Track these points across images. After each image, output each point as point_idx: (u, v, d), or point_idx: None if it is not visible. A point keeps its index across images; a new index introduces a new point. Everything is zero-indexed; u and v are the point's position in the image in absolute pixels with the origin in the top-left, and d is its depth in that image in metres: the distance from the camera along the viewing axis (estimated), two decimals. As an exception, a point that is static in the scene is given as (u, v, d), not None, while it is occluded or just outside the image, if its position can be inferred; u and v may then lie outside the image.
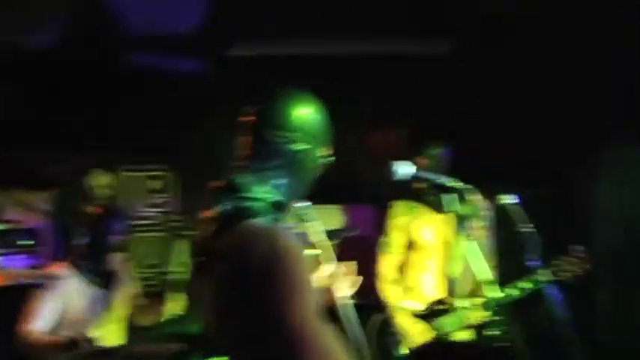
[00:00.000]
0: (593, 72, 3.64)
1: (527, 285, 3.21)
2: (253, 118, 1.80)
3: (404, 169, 2.02)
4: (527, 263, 2.66)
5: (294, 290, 1.48)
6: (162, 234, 4.68)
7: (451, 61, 4.13)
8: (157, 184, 4.74)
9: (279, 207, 1.72)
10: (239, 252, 1.55)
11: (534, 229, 2.63)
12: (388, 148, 4.67)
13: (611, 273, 3.79)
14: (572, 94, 3.76)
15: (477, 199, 3.60)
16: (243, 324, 1.56)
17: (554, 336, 2.59)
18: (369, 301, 4.15)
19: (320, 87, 4.25)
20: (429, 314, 3.55)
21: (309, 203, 2.29)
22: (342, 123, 4.30)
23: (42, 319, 3.27)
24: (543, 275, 3.12)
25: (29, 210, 4.04)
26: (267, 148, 1.76)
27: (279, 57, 4.12)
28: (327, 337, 1.52)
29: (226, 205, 1.67)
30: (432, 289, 3.63)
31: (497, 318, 3.08)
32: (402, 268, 3.74)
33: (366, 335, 3.53)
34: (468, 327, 3.41)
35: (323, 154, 1.84)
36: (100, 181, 4.62)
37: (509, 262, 3.41)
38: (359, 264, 3.72)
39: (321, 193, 4.03)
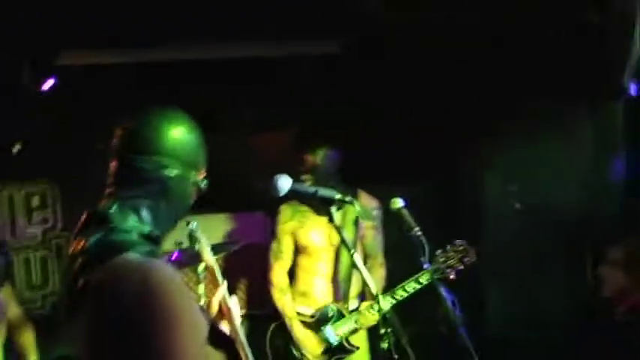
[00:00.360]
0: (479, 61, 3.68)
1: (411, 286, 3.26)
2: (118, 141, 1.64)
3: (284, 183, 1.95)
4: (424, 266, 2.67)
5: (172, 327, 1.36)
6: (45, 252, 4.42)
7: (337, 61, 4.10)
8: (37, 200, 4.46)
9: (151, 239, 1.58)
10: (109, 290, 1.40)
11: (420, 233, 2.64)
12: (275, 151, 4.60)
13: (503, 267, 3.88)
14: (456, 86, 3.81)
15: (366, 200, 3.67)
16: None
17: (451, 337, 2.62)
18: (265, 311, 4.14)
19: (204, 92, 4.19)
20: (321, 320, 3.55)
21: (195, 223, 2.25)
22: (226, 128, 4.33)
23: None
24: (425, 274, 3.17)
25: None
26: (135, 175, 1.60)
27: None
28: None
29: (94, 238, 1.51)
30: (325, 294, 3.63)
31: (387, 330, 3.10)
32: (293, 274, 3.72)
33: (267, 345, 3.55)
34: (358, 330, 3.45)
35: (197, 178, 1.70)
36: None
37: (401, 262, 3.45)
38: (254, 274, 3.72)
39: (210, 201, 3.97)
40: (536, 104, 3.70)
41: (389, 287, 3.42)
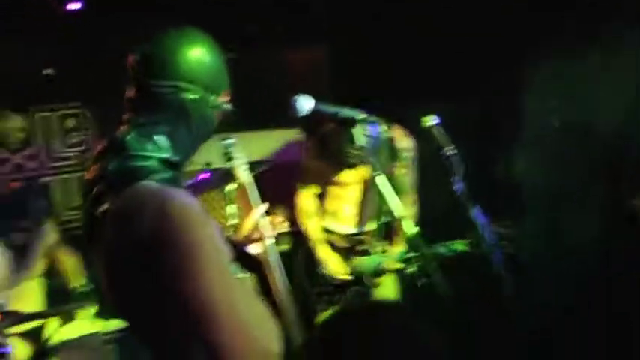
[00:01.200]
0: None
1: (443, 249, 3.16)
2: (134, 66, 1.56)
3: (305, 103, 1.86)
4: (455, 188, 2.58)
5: (193, 258, 1.33)
6: (82, 174, 4.47)
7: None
8: (73, 123, 4.48)
9: (172, 165, 1.53)
10: (126, 220, 1.37)
11: (453, 153, 2.55)
12: (311, 68, 4.50)
13: (538, 189, 3.75)
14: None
15: (400, 138, 3.55)
16: (139, 300, 1.41)
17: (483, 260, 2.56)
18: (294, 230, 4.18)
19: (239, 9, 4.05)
20: (350, 249, 3.56)
21: (233, 140, 2.18)
22: (263, 43, 4.24)
23: None
24: (459, 244, 3.02)
25: None
26: (153, 101, 1.53)
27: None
28: (243, 298, 1.39)
29: (112, 165, 1.47)
30: (353, 216, 3.61)
31: (415, 254, 3.06)
32: (323, 196, 3.68)
33: (295, 268, 3.58)
34: (384, 272, 3.44)
35: (219, 101, 1.62)
36: (13, 124, 4.33)
37: (433, 188, 3.36)
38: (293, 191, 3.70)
39: (247, 117, 3.90)
40: (581, 21, 3.49)
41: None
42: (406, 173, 3.51)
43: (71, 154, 4.46)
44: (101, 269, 1.47)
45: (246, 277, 1.70)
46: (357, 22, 4.14)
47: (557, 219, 3.61)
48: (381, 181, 1.92)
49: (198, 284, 1.32)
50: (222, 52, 1.63)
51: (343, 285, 3.53)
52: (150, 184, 1.42)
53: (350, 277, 3.48)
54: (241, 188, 2.09)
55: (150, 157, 1.50)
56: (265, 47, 4.45)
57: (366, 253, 3.52)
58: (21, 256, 3.38)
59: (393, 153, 3.45)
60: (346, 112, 1.89)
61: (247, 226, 1.93)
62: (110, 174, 1.46)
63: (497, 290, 2.46)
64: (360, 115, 1.87)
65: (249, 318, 1.37)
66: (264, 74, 4.46)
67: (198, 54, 1.56)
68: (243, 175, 2.11)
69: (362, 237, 3.58)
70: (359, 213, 3.62)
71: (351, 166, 1.80)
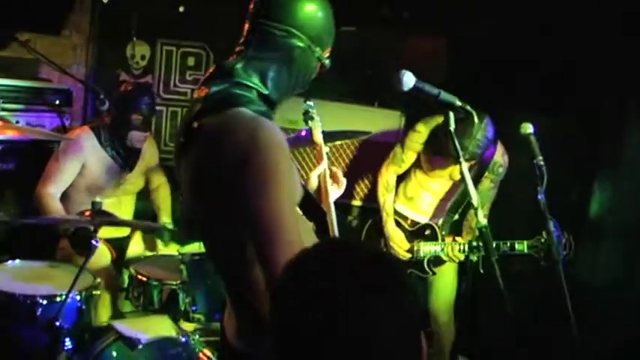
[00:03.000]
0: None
1: (506, 246, 3.22)
2: (255, 6, 1.73)
3: (410, 79, 1.94)
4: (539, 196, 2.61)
5: (271, 181, 1.46)
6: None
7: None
8: (193, 60, 4.70)
9: (268, 101, 1.68)
10: (219, 137, 1.52)
11: (542, 163, 2.59)
12: (425, 56, 4.53)
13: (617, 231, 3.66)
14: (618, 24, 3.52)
15: (499, 153, 3.51)
16: (216, 210, 1.56)
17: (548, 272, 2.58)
18: (366, 204, 4.26)
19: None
20: (415, 232, 3.65)
21: (311, 103, 2.35)
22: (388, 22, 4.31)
23: (58, 182, 3.36)
24: (522, 244, 3.17)
25: (63, 69, 4.06)
26: (264, 39, 1.69)
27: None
28: (300, 232, 1.50)
29: (216, 87, 1.63)
30: (429, 206, 3.69)
31: (479, 243, 3.10)
32: (406, 176, 3.77)
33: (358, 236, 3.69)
34: (444, 261, 3.48)
35: (322, 54, 1.76)
36: (138, 50, 4.60)
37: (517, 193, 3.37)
38: (378, 168, 3.78)
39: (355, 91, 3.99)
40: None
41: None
42: (490, 188, 3.53)
43: (185, 90, 4.69)
44: (186, 182, 1.63)
45: (307, 222, 1.82)
46: (482, 20, 4.13)
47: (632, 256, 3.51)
48: (466, 169, 1.98)
49: (270, 203, 1.44)
50: (332, 14, 1.77)
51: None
52: (247, 110, 1.57)
53: (409, 258, 3.56)
54: (317, 146, 2.27)
55: (252, 88, 1.65)
56: (389, 29, 4.53)
57: (430, 239, 3.58)
58: (125, 168, 3.62)
59: (490, 164, 3.48)
60: (447, 95, 1.95)
61: (313, 178, 2.09)
62: (213, 94, 1.62)
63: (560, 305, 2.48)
64: (458, 102, 1.93)
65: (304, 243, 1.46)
66: (379, 53, 4.53)
67: (312, 8, 1.71)
68: (317, 135, 2.29)
69: (430, 222, 3.66)
70: (437, 206, 3.68)
71: (457, 161, 1.86)
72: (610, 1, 3.51)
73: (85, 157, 3.43)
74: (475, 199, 1.94)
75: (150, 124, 3.76)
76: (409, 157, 3.65)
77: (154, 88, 4.56)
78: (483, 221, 1.96)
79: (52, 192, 3.34)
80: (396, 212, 3.70)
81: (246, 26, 1.74)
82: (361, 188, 4.50)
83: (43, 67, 4.12)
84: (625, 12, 3.41)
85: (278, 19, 1.68)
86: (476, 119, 1.94)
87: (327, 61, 1.79)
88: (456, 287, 3.73)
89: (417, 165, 3.69)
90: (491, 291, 2.02)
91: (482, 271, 3.03)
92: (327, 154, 2.31)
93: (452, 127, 1.93)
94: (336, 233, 2.02)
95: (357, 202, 4.55)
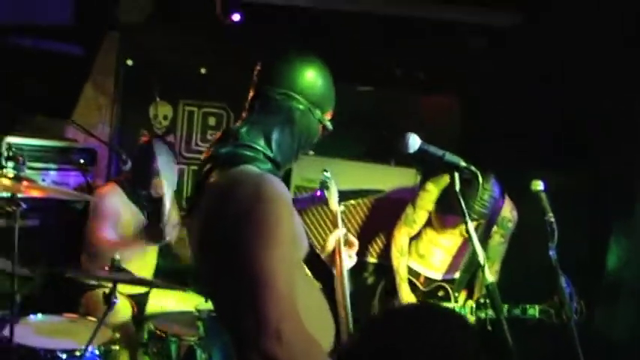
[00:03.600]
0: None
1: (517, 311, 3.17)
2: (259, 73, 1.85)
3: (415, 141, 2.02)
4: (550, 254, 2.66)
5: (269, 233, 1.51)
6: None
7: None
8: (214, 120, 4.84)
9: (273, 161, 1.77)
10: (225, 192, 1.60)
11: (553, 220, 2.64)
12: (435, 114, 4.63)
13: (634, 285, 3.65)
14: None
15: (507, 208, 3.57)
16: (221, 266, 1.60)
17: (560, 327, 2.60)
18: (380, 261, 4.29)
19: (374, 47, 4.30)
20: (429, 294, 3.67)
21: (329, 174, 2.51)
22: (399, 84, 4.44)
23: (109, 229, 3.46)
24: (533, 309, 3.15)
25: (89, 131, 4.21)
26: (266, 103, 1.80)
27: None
28: (299, 291, 1.54)
29: (224, 149, 1.72)
30: (441, 264, 3.72)
31: (486, 300, 3.12)
32: (417, 238, 3.81)
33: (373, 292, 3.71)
34: None
35: (323, 117, 1.86)
36: (161, 110, 4.76)
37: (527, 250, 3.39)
38: (392, 226, 3.83)
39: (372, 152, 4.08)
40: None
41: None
42: (500, 242, 3.58)
43: (206, 149, 4.80)
44: (195, 238, 1.70)
45: (315, 283, 1.88)
46: (495, 77, 4.25)
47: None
48: (472, 229, 2.02)
49: (265, 256, 1.49)
50: (331, 78, 1.89)
51: None
52: (253, 167, 1.67)
53: None
54: (332, 214, 2.35)
55: (258, 150, 1.75)
56: (403, 89, 4.66)
57: (444, 299, 3.60)
58: (149, 224, 3.70)
59: (498, 219, 3.54)
60: (452, 157, 2.02)
61: (330, 243, 2.15)
62: (221, 155, 1.72)
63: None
64: (463, 163, 1.99)
65: (299, 308, 1.51)
66: (395, 113, 4.64)
67: (312, 75, 1.83)
68: (333, 202, 2.37)
69: (443, 284, 3.67)
70: (449, 262, 3.72)
71: (465, 220, 1.92)
72: (621, 56, 3.59)
73: (117, 212, 3.54)
74: (482, 257, 1.98)
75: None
76: (421, 216, 3.72)
77: (175, 148, 4.70)
78: (490, 278, 1.99)
79: (107, 235, 3.46)
80: (409, 270, 3.73)
81: (251, 93, 1.85)
82: (377, 244, 4.54)
83: (69, 126, 4.28)
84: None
85: (279, 84, 1.80)
86: (480, 179, 1.98)
87: (328, 123, 1.89)
88: None
89: (428, 223, 3.74)
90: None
91: (490, 328, 3.05)
92: (342, 214, 2.39)
93: (457, 187, 1.99)
94: (347, 299, 2.06)
95: (372, 259, 4.58)
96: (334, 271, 2.17)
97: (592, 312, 3.31)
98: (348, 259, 2.19)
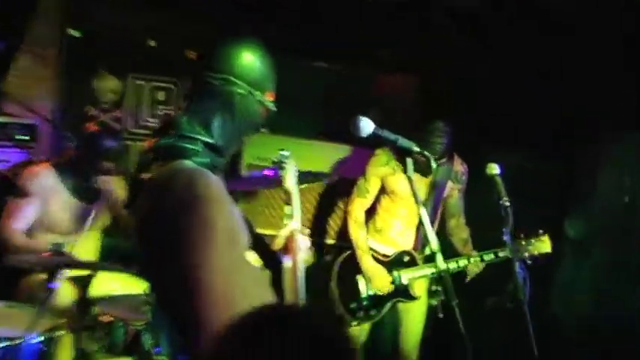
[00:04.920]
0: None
1: (489, 256, 3.47)
2: (197, 60, 1.85)
3: (367, 125, 2.02)
4: (504, 237, 2.74)
5: (204, 238, 1.51)
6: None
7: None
8: (162, 96, 4.76)
9: (214, 149, 1.77)
10: (159, 191, 1.60)
11: (508, 204, 2.69)
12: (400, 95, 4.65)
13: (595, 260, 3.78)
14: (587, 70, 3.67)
15: (458, 163, 3.75)
16: (155, 261, 1.60)
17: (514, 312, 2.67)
18: (339, 242, 4.33)
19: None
20: (394, 262, 3.73)
21: (288, 153, 2.41)
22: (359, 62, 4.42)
23: (22, 219, 3.37)
24: (504, 250, 3.26)
25: (26, 105, 4.09)
26: (205, 90, 1.80)
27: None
28: (247, 285, 1.54)
29: (163, 141, 1.72)
30: (400, 236, 3.80)
31: (438, 288, 3.23)
32: (373, 210, 3.88)
33: (329, 274, 3.73)
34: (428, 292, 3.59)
35: (263, 99, 1.87)
36: (107, 84, 4.65)
37: (485, 231, 3.47)
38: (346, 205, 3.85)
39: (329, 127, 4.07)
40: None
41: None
42: (460, 197, 3.81)
43: (154, 125, 4.73)
44: (134, 229, 1.68)
45: (265, 272, 1.87)
46: (454, 57, 4.27)
47: (605, 294, 3.62)
48: (425, 214, 2.04)
49: (201, 259, 1.49)
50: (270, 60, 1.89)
51: (381, 298, 3.67)
52: (189, 163, 1.66)
53: (390, 290, 3.64)
54: (287, 195, 2.29)
55: (196, 140, 1.74)
56: (363, 67, 4.64)
57: (409, 265, 3.69)
58: (87, 206, 3.64)
59: (452, 175, 3.75)
60: (405, 142, 2.03)
61: (281, 237, 2.10)
62: (160, 148, 1.71)
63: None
64: (415, 147, 2.01)
65: (246, 304, 1.46)
66: (355, 91, 4.64)
67: (248, 55, 1.84)
68: (291, 184, 2.32)
69: (406, 253, 3.73)
70: (411, 235, 3.78)
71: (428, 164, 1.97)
72: (587, 35, 3.65)
73: (46, 196, 3.45)
74: (434, 243, 2.00)
75: (119, 167, 3.79)
76: (373, 184, 3.77)
77: (123, 123, 4.61)
78: (443, 265, 2.03)
79: (18, 228, 3.36)
80: (369, 249, 3.76)
81: (190, 80, 1.85)
82: (335, 225, 4.57)
83: (7, 100, 4.14)
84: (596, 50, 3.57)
85: (217, 69, 1.80)
86: (434, 165, 2.01)
87: (270, 104, 1.90)
88: (422, 327, 3.81)
89: (382, 191, 3.81)
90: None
91: (441, 315, 3.15)
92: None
93: (410, 173, 2.00)
94: (302, 289, 2.04)
95: (330, 241, 4.61)
96: (286, 261, 2.13)
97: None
98: (303, 249, 2.16)
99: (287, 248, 2.11)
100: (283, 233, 2.11)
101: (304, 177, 3.11)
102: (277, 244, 2.10)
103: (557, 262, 3.77)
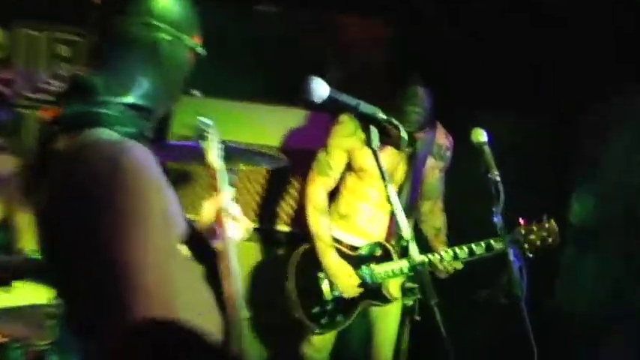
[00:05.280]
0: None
1: (480, 249, 3.48)
2: (102, 6, 1.84)
3: (320, 88, 2.05)
4: (494, 218, 2.79)
5: (134, 219, 1.51)
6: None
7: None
8: (66, 51, 4.71)
9: (140, 111, 1.78)
10: (73, 166, 1.58)
11: (499, 179, 2.73)
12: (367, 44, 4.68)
13: (594, 242, 3.91)
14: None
15: (441, 135, 3.81)
16: (65, 250, 1.60)
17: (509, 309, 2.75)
18: (298, 229, 4.38)
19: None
20: (364, 256, 3.75)
21: (210, 121, 2.47)
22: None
23: None
24: (499, 241, 3.35)
25: None
26: (121, 40, 1.79)
27: None
28: (177, 282, 1.54)
29: (72, 108, 1.70)
30: (371, 225, 3.81)
31: (413, 286, 3.27)
32: (336, 192, 3.89)
33: (284, 272, 3.75)
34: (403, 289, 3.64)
35: (191, 42, 1.89)
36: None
37: (468, 209, 3.56)
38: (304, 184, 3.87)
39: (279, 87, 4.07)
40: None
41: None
42: (440, 178, 3.83)
43: (56, 88, 4.68)
44: (37, 214, 1.69)
45: (196, 266, 1.90)
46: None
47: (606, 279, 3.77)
48: (394, 194, 2.10)
49: (128, 247, 1.49)
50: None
51: (349, 301, 3.69)
52: (109, 133, 1.65)
53: (360, 292, 3.66)
54: (212, 172, 2.34)
55: (115, 103, 1.74)
56: (318, 9, 4.68)
57: (383, 259, 3.70)
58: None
59: (434, 149, 3.78)
60: (367, 107, 2.07)
61: (207, 215, 2.15)
62: (68, 117, 1.69)
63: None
64: (381, 114, 2.05)
65: (176, 302, 1.51)
66: (307, 40, 4.64)
67: None
68: (214, 158, 2.36)
69: (380, 241, 3.77)
70: (383, 222, 3.81)
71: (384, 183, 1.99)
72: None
73: None
74: (407, 231, 2.05)
75: (14, 143, 3.77)
76: (337, 159, 3.76)
77: (14, 86, 4.56)
78: (418, 257, 2.07)
79: None
80: (334, 239, 3.76)
81: (96, 31, 1.84)
82: (289, 208, 4.61)
83: None
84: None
85: (133, 12, 1.80)
86: (403, 133, 2.05)
87: (199, 48, 1.93)
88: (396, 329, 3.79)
89: (348, 168, 3.80)
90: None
91: (418, 318, 3.21)
92: (231, 175, 2.39)
93: (375, 145, 2.05)
94: (237, 278, 2.06)
95: (283, 228, 4.67)
96: (216, 247, 2.13)
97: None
98: (234, 230, 2.19)
99: (215, 229, 2.13)
100: (209, 205, 2.16)
101: (243, 155, 3.15)
102: (203, 222, 2.14)
103: (560, 250, 3.84)
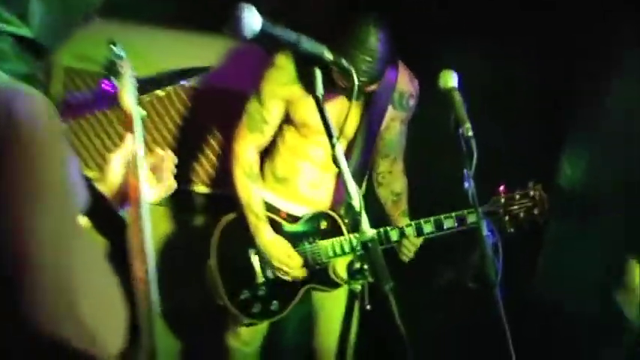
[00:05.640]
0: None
1: (450, 223, 3.56)
2: None
3: (253, 20, 2.02)
4: (465, 183, 2.82)
5: (32, 185, 1.53)
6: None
7: None
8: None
9: (31, 46, 1.76)
10: None
11: (471, 134, 2.75)
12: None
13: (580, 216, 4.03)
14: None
15: (404, 79, 3.78)
16: None
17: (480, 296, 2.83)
18: (223, 191, 4.35)
19: None
20: (306, 230, 3.79)
21: (122, 52, 2.44)
22: None
23: None
24: (472, 214, 3.40)
25: None
26: None
27: None
28: (81, 259, 1.59)
29: None
30: (314, 190, 3.85)
31: (362, 265, 3.32)
32: (270, 150, 3.88)
33: (206, 247, 3.75)
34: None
35: None
36: None
37: (436, 171, 3.62)
38: (228, 133, 3.86)
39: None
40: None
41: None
42: (402, 132, 3.85)
43: None
44: None
45: (100, 241, 1.92)
46: None
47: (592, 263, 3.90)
48: (341, 153, 2.15)
49: (22, 223, 1.51)
50: None
51: (286, 285, 3.74)
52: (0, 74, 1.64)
53: (304, 274, 3.70)
54: (127, 117, 2.31)
55: (3, 35, 1.71)
56: None
57: (331, 234, 3.75)
58: None
59: (394, 97, 3.76)
60: (311, 45, 2.09)
61: (113, 173, 2.16)
62: None
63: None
64: (327, 54, 2.08)
65: (79, 284, 1.57)
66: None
67: None
68: (129, 100, 2.34)
69: (326, 211, 3.81)
70: (329, 186, 3.86)
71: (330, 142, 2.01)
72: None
73: None
74: (357, 198, 2.10)
75: None
76: (272, 111, 3.72)
77: None
78: (369, 232, 2.12)
79: None
80: (268, 206, 3.79)
81: None
82: (208, 164, 4.61)
83: None
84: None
85: None
86: (355, 79, 2.07)
87: None
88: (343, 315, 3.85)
89: (286, 122, 3.80)
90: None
91: (368, 306, 3.25)
92: (142, 121, 2.38)
93: (319, 92, 2.08)
94: (150, 256, 2.06)
95: (201, 188, 4.66)
96: (126, 214, 2.16)
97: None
98: (150, 189, 2.21)
99: (124, 188, 2.14)
100: (117, 158, 2.16)
101: (160, 80, 3.11)
102: (109, 179, 2.15)
103: (546, 224, 3.89)
